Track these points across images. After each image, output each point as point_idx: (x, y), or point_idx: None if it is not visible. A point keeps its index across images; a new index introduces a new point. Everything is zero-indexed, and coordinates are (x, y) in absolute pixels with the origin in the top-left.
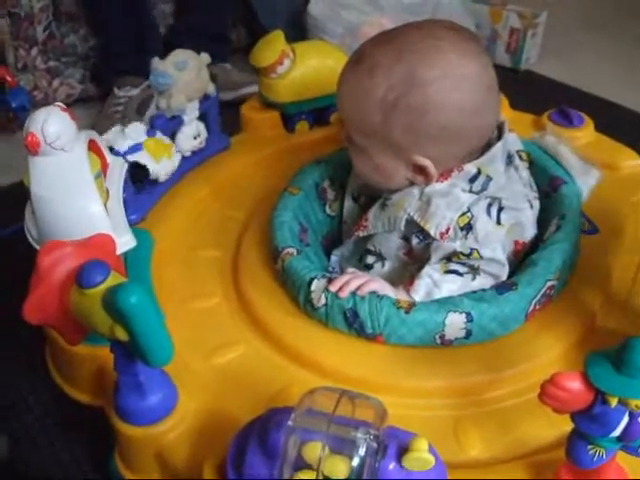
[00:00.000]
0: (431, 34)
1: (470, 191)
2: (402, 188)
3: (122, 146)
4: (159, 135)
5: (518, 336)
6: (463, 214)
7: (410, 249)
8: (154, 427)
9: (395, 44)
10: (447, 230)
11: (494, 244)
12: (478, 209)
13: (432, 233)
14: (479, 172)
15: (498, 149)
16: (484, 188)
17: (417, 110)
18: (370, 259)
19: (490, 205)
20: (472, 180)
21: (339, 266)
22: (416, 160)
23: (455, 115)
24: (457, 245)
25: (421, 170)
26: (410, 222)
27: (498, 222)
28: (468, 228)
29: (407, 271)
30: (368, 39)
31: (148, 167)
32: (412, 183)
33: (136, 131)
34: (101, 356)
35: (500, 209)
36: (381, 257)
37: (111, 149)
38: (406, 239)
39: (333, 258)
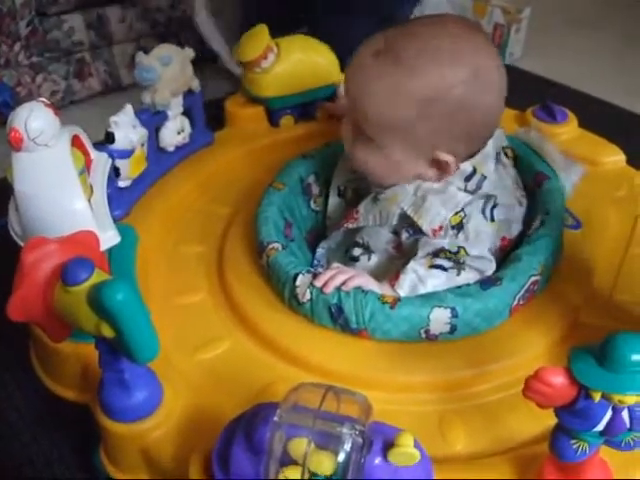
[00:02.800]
0: (456, 33)
1: (465, 190)
2: (401, 183)
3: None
4: (144, 148)
5: (502, 331)
6: (456, 213)
7: (399, 243)
8: (139, 424)
9: (423, 41)
10: (440, 227)
11: (483, 242)
12: (472, 209)
13: (424, 229)
14: (474, 171)
15: (490, 147)
16: (478, 187)
17: (452, 109)
18: (357, 251)
19: (485, 204)
20: (467, 179)
21: (325, 259)
22: (439, 156)
23: (483, 114)
24: (445, 242)
25: (439, 166)
26: (403, 217)
27: (492, 219)
28: (459, 227)
29: (393, 265)
30: (387, 31)
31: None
32: (417, 179)
33: (139, 136)
34: (86, 353)
35: (494, 206)
36: (369, 250)
37: (108, 136)
38: (396, 233)
39: (319, 251)
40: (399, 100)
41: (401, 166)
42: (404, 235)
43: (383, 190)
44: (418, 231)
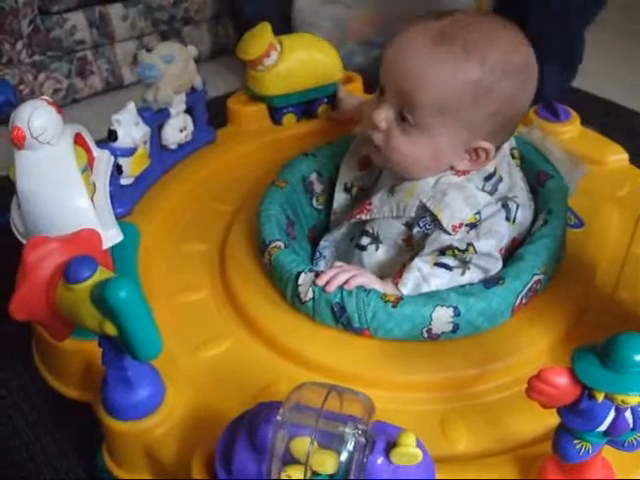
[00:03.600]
0: (504, 25)
1: (483, 189)
2: (427, 176)
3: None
4: (147, 146)
5: (505, 330)
6: (475, 214)
7: (409, 236)
8: (142, 422)
9: (480, 29)
10: (460, 225)
11: (494, 240)
12: (490, 211)
13: (444, 223)
14: (494, 172)
15: (507, 147)
16: (495, 188)
17: (507, 97)
18: (365, 240)
19: (505, 204)
20: (487, 179)
21: (329, 250)
22: (480, 144)
23: (527, 103)
24: (456, 239)
25: (477, 155)
26: (420, 209)
27: (514, 221)
28: (472, 226)
29: (400, 257)
30: (441, 19)
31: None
32: (449, 169)
33: (141, 134)
34: (89, 350)
35: (517, 207)
36: (377, 240)
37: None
38: (408, 226)
39: (323, 243)
40: (458, 86)
41: (443, 154)
42: (416, 228)
43: (400, 182)
44: (434, 225)
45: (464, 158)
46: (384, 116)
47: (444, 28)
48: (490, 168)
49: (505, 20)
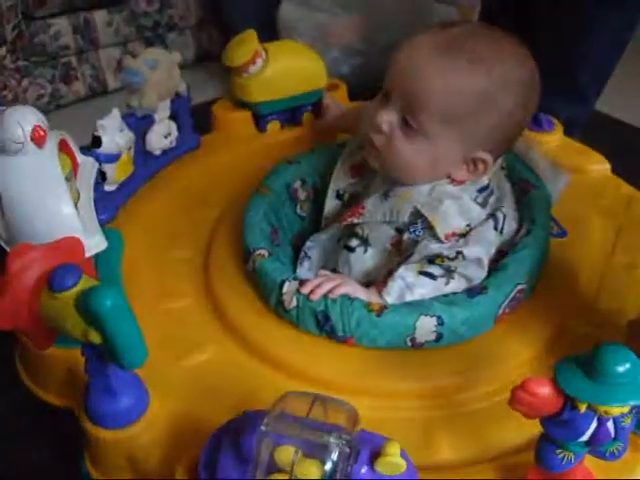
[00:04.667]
0: (511, 39)
1: (475, 201)
2: (424, 183)
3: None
4: (131, 152)
5: (488, 339)
6: (467, 225)
7: (399, 241)
8: (125, 430)
9: (487, 41)
10: (453, 234)
11: (482, 248)
12: (479, 221)
13: (438, 231)
14: (488, 185)
15: (500, 160)
16: (486, 202)
17: (510, 109)
18: (354, 242)
19: (494, 214)
20: (480, 191)
21: (315, 251)
22: (480, 155)
23: (528, 118)
24: (445, 247)
25: (476, 165)
26: (414, 215)
27: (501, 231)
28: (461, 236)
29: (388, 262)
30: (450, 28)
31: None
32: (446, 177)
33: (126, 140)
34: (72, 358)
35: (505, 218)
36: (367, 243)
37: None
38: (399, 231)
39: (308, 244)
40: (463, 94)
41: (442, 162)
42: (406, 234)
43: (394, 188)
44: (425, 232)
45: (462, 168)
46: (387, 119)
47: (453, 37)
48: (485, 180)
49: (510, 35)
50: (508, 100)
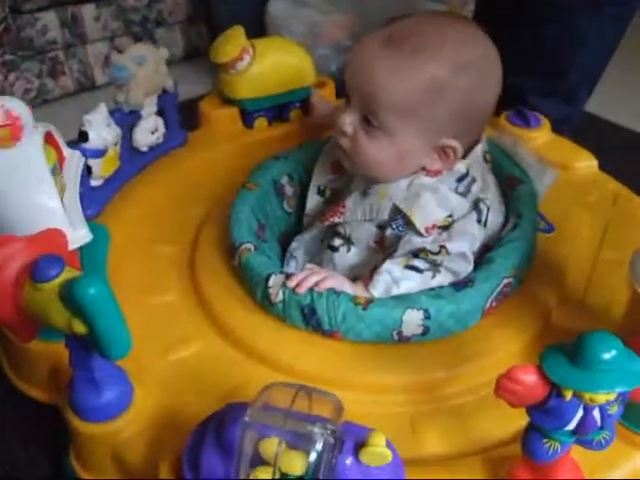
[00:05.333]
0: (460, 21)
1: (456, 191)
2: (400, 178)
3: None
4: (118, 147)
5: (475, 333)
6: (448, 216)
7: (382, 238)
8: (109, 424)
9: (432, 27)
10: (433, 226)
11: (466, 242)
12: (461, 212)
13: (417, 225)
14: (467, 173)
15: (480, 149)
16: (468, 190)
17: (465, 92)
18: (337, 242)
19: (477, 206)
20: (459, 180)
21: (300, 250)
22: (446, 142)
23: (490, 98)
24: (428, 242)
25: (446, 153)
26: (394, 211)
27: (485, 224)
28: (444, 228)
29: (372, 259)
30: (389, 23)
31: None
32: (421, 170)
33: (113, 135)
34: (56, 352)
35: (488, 210)
36: (349, 242)
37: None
38: (380, 228)
39: (293, 244)
40: (415, 86)
41: (409, 156)
42: (388, 230)
43: (373, 185)
44: (406, 227)
45: (434, 158)
46: (349, 121)
47: (395, 31)
48: (462, 169)
49: (460, 17)
50: (461, 83)
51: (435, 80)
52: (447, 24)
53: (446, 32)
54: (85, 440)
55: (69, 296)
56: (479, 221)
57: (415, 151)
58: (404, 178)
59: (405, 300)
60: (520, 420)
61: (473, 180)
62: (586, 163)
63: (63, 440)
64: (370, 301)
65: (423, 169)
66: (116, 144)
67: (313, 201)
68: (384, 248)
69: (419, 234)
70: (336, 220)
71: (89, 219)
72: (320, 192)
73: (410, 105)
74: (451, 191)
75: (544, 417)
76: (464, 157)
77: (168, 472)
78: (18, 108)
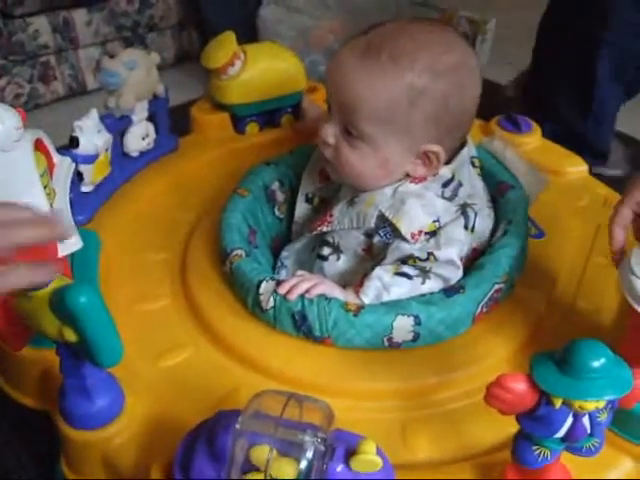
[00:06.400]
0: (436, 27)
1: (442, 196)
2: (385, 186)
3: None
4: (108, 153)
5: (465, 339)
6: (434, 221)
7: (370, 245)
8: (100, 431)
9: (408, 35)
10: (419, 232)
11: (454, 248)
12: (449, 217)
13: (403, 232)
14: (453, 177)
15: (466, 153)
16: (455, 194)
17: (442, 97)
18: (326, 251)
19: (464, 212)
20: (445, 185)
21: (290, 260)
22: (428, 148)
23: (468, 102)
24: (417, 248)
25: (429, 159)
26: (380, 219)
27: (472, 229)
28: (433, 234)
29: (361, 267)
30: (366, 32)
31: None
32: (405, 177)
33: (103, 141)
34: (47, 358)
35: (476, 215)
36: (338, 250)
37: (72, 141)
38: (368, 236)
39: (284, 253)
40: (392, 93)
41: (392, 163)
42: (376, 238)
43: (359, 193)
44: (394, 234)
45: (417, 164)
46: (331, 132)
47: (371, 39)
48: (447, 174)
49: (436, 23)
50: (439, 88)
51: (411, 87)
52: (424, 31)
53: (424, 39)
54: (76, 447)
55: (60, 304)
56: (466, 227)
57: (398, 158)
58: (389, 186)
59: (396, 306)
60: (510, 426)
61: (459, 184)
62: (576, 168)
63: (54, 447)
64: (361, 307)
65: (407, 176)
66: (107, 150)
67: (301, 209)
68: (373, 255)
69: (406, 241)
70: (324, 229)
71: (80, 225)
72: (308, 200)
73: (389, 113)
74: (437, 197)
75: (534, 424)
76: (449, 162)
77: (159, 479)
78: None
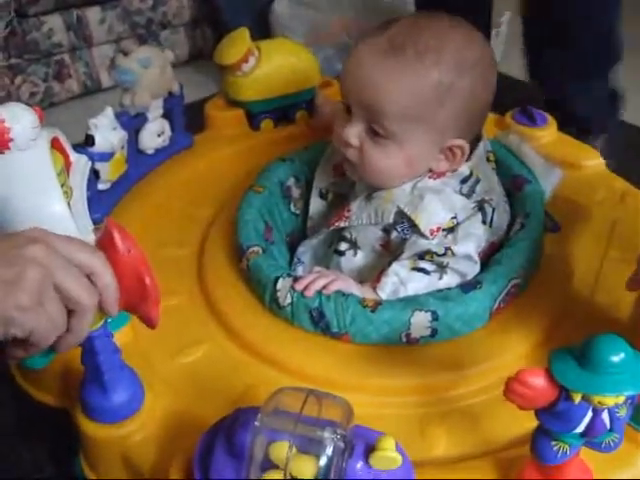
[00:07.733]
0: (455, 22)
1: (460, 192)
2: (406, 182)
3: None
4: (124, 150)
5: (482, 334)
6: (452, 218)
7: (388, 241)
8: (120, 426)
9: (429, 31)
10: (438, 229)
11: (472, 243)
12: (467, 213)
13: (422, 227)
14: (471, 174)
15: (482, 149)
16: (472, 190)
17: (468, 92)
18: (343, 246)
19: (482, 207)
20: (463, 181)
21: (307, 255)
22: (453, 142)
23: (490, 95)
24: (434, 244)
25: (453, 153)
26: (398, 215)
27: (490, 225)
28: (450, 231)
29: (378, 262)
30: (382, 28)
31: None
32: (428, 172)
33: (119, 139)
34: (66, 355)
35: (493, 210)
36: (355, 246)
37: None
38: (386, 231)
39: (301, 249)
40: (420, 90)
41: (417, 160)
42: (394, 234)
43: (377, 189)
44: (412, 230)
45: (440, 159)
46: (355, 132)
47: (392, 37)
48: (466, 170)
49: (453, 18)
50: (464, 84)
51: (439, 83)
52: (445, 26)
53: (446, 35)
54: (95, 442)
55: None
56: (484, 222)
57: (424, 154)
58: (408, 182)
59: (413, 302)
60: (529, 421)
61: (477, 181)
62: (592, 161)
63: (70, 441)
64: (378, 303)
65: (430, 171)
66: (122, 147)
67: (316, 204)
68: (390, 251)
69: (424, 237)
70: (341, 224)
71: (96, 223)
72: (322, 195)
73: (418, 111)
74: (455, 193)
75: (553, 420)
76: (468, 159)
77: (178, 476)
78: (11, 119)
